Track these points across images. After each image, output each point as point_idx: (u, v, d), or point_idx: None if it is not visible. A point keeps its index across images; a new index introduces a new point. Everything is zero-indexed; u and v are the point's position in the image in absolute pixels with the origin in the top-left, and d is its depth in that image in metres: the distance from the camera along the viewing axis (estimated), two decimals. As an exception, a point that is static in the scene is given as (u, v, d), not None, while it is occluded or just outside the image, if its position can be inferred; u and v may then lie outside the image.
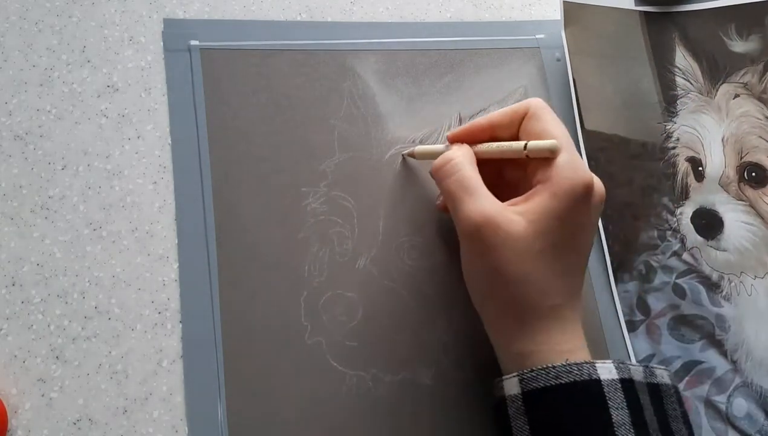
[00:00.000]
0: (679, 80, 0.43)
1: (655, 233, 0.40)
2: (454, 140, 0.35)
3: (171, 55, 0.39)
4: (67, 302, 0.33)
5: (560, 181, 0.29)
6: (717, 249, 0.39)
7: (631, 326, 0.38)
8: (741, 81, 0.42)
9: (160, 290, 0.34)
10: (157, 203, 0.36)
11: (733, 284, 0.39)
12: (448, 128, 0.40)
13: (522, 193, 0.31)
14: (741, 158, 0.41)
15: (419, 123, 0.40)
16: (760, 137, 0.41)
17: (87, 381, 0.32)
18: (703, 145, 0.41)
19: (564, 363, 0.28)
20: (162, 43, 0.39)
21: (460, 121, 0.41)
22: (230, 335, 0.34)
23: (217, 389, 0.33)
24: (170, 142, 0.37)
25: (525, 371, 0.29)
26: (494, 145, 0.33)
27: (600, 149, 0.41)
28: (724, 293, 0.39)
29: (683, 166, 0.41)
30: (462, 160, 0.32)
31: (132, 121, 0.37)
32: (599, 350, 0.37)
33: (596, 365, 0.28)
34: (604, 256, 0.39)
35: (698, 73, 0.43)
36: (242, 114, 0.38)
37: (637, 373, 0.29)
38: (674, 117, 0.42)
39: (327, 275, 0.36)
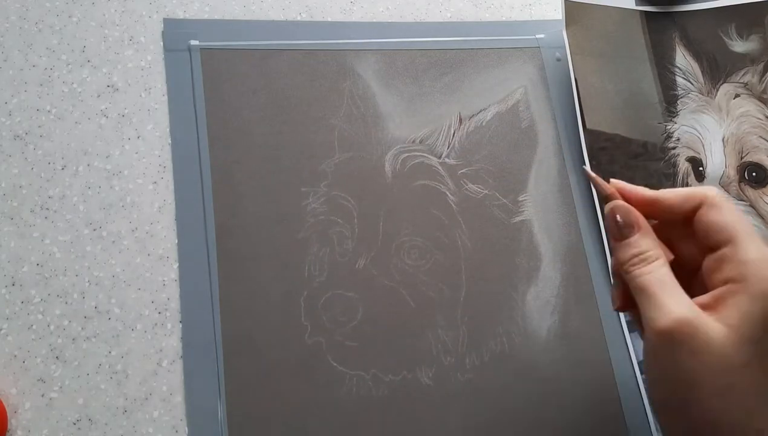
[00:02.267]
0: (679, 80, 0.43)
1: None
2: (616, 189, 0.31)
3: (171, 55, 0.39)
4: (67, 302, 0.33)
5: (759, 281, 0.26)
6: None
7: (632, 326, 0.38)
8: (741, 81, 0.42)
9: (160, 290, 0.34)
10: (157, 203, 0.36)
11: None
12: (449, 128, 0.40)
13: (684, 276, 0.28)
14: (741, 158, 0.41)
15: (419, 123, 0.40)
16: (761, 137, 0.41)
17: (87, 381, 0.32)
18: (703, 145, 0.41)
19: None
20: (162, 43, 0.39)
21: (460, 121, 0.41)
22: (230, 335, 0.34)
23: (217, 389, 0.33)
24: (170, 142, 0.37)
25: None
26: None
27: (601, 149, 0.41)
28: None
29: (684, 166, 0.41)
30: (661, 255, 0.29)
31: (132, 121, 0.37)
32: (599, 349, 0.37)
33: None
34: (605, 256, 0.39)
35: (698, 73, 0.43)
36: (242, 114, 0.38)
37: None
38: (675, 117, 0.42)
39: (327, 275, 0.36)
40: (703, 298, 0.27)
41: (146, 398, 0.32)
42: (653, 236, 0.30)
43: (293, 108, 0.39)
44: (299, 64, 0.40)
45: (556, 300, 0.38)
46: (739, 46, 0.42)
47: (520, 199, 0.40)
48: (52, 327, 0.33)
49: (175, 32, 0.39)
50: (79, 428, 0.31)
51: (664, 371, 0.28)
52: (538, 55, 0.44)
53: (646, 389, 0.30)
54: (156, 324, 0.34)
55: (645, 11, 0.44)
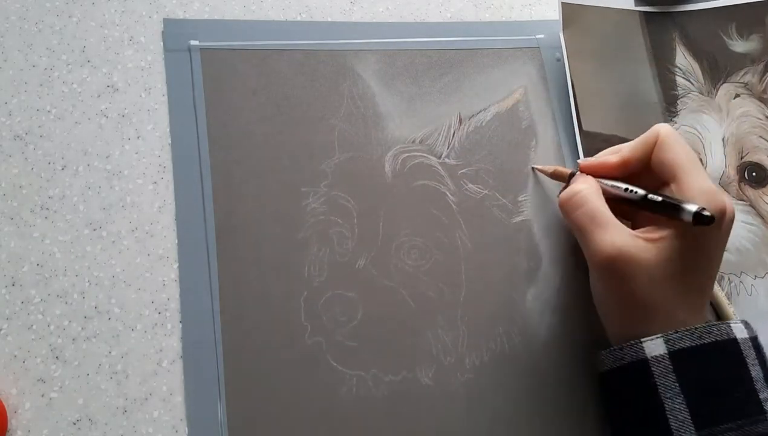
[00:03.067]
0: (679, 80, 0.43)
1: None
2: (586, 172, 0.36)
3: (171, 55, 0.39)
4: (67, 302, 0.33)
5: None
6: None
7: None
8: (741, 81, 0.42)
9: (160, 290, 0.34)
10: (157, 203, 0.36)
11: (733, 283, 0.39)
12: (448, 128, 0.40)
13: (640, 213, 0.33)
14: (741, 158, 0.41)
15: (419, 123, 0.40)
16: (761, 137, 0.41)
17: (87, 381, 0.32)
18: (703, 145, 0.41)
19: (705, 324, 0.30)
20: (162, 43, 0.39)
21: (460, 122, 0.41)
22: (230, 335, 0.34)
23: (217, 389, 0.33)
24: (170, 142, 0.37)
25: (669, 332, 0.30)
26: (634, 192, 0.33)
27: (599, 150, 0.41)
28: (724, 292, 0.39)
29: (684, 166, 0.41)
30: (589, 192, 0.33)
31: (132, 121, 0.37)
32: (599, 349, 0.37)
33: (731, 324, 0.31)
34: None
35: (699, 72, 0.43)
36: (242, 114, 0.38)
37: (754, 331, 0.32)
38: (675, 117, 0.42)
39: (327, 275, 0.36)
40: (649, 228, 0.32)
41: (146, 398, 0.32)
42: (590, 179, 0.35)
43: (293, 108, 0.39)
44: (299, 64, 0.40)
45: (556, 300, 0.38)
46: (739, 45, 0.42)
47: (520, 199, 0.40)
48: (52, 327, 0.33)
49: (175, 32, 0.39)
50: (79, 428, 0.31)
51: (605, 292, 0.33)
52: (538, 56, 0.44)
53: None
54: (156, 324, 0.34)
55: (644, 11, 0.44)
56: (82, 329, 0.33)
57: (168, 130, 0.37)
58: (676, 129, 0.42)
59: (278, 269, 0.35)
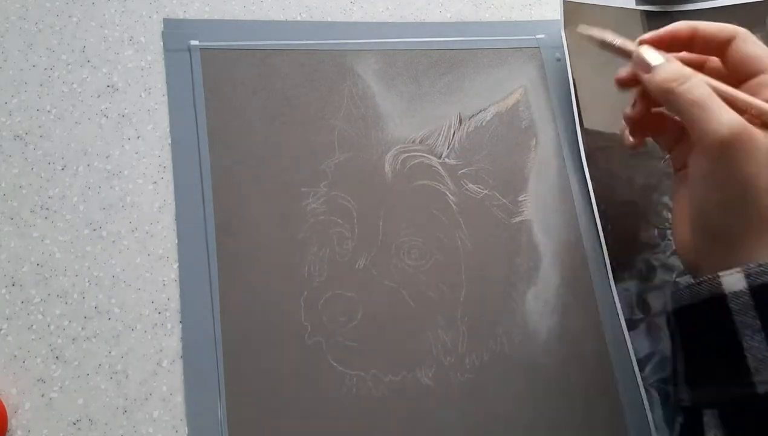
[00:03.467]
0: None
1: (656, 232, 0.40)
2: (654, 43, 0.33)
3: (171, 55, 0.39)
4: (67, 302, 0.33)
5: None
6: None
7: (632, 325, 0.38)
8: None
9: (160, 290, 0.34)
10: (157, 203, 0.36)
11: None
12: (448, 128, 0.40)
13: None
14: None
15: (419, 123, 0.40)
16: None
17: (87, 381, 0.32)
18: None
19: None
20: (162, 43, 0.39)
21: (460, 122, 0.41)
22: (230, 335, 0.34)
23: (217, 389, 0.33)
24: (170, 142, 0.37)
25: (751, 265, 0.28)
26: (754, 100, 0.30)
27: (600, 148, 0.41)
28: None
29: (684, 165, 0.41)
30: (701, 78, 0.31)
31: (132, 121, 0.37)
32: (599, 349, 0.37)
33: None
34: (603, 255, 0.39)
35: (699, 72, 0.43)
36: (242, 114, 0.38)
37: None
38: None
39: (327, 275, 0.36)
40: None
41: (146, 398, 0.32)
42: (679, 63, 0.32)
43: (293, 108, 0.39)
44: (299, 64, 0.40)
45: (556, 300, 0.38)
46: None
47: (520, 199, 0.40)
48: (52, 327, 0.33)
49: (175, 32, 0.39)
50: (79, 428, 0.31)
51: (719, 174, 0.29)
52: (538, 55, 0.44)
53: (690, 204, 0.32)
54: (156, 324, 0.34)
55: (645, 11, 0.44)
56: (82, 329, 0.33)
57: (168, 130, 0.37)
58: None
59: (278, 269, 0.35)
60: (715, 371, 0.29)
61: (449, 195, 0.39)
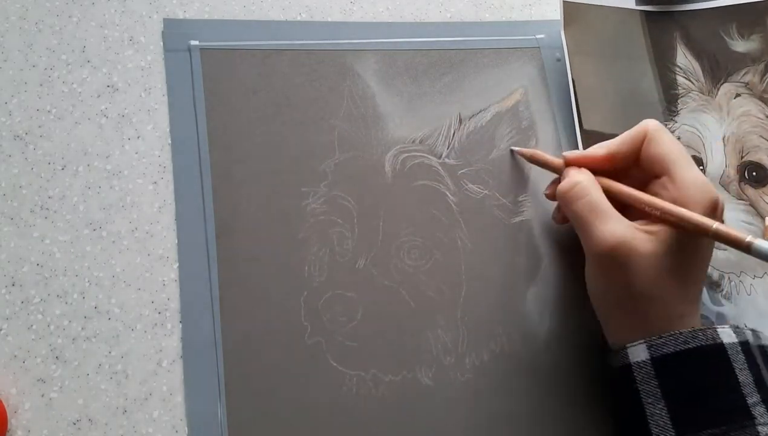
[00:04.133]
0: (680, 79, 0.43)
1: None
2: (573, 164, 0.35)
3: (171, 55, 0.39)
4: (67, 302, 0.33)
5: (689, 203, 0.31)
6: (717, 248, 0.39)
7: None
8: (742, 80, 0.42)
9: (160, 290, 0.34)
10: (157, 203, 0.36)
11: (733, 283, 0.39)
12: (448, 128, 0.40)
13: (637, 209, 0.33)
14: (741, 158, 0.41)
15: (419, 123, 0.40)
16: (761, 137, 0.41)
17: (87, 381, 0.32)
18: (703, 145, 0.41)
19: (690, 329, 0.30)
20: (162, 43, 0.39)
21: (460, 122, 0.41)
22: (230, 335, 0.34)
23: (217, 389, 0.33)
24: (170, 142, 0.37)
25: (653, 337, 0.30)
26: (673, 208, 0.31)
27: (600, 149, 0.41)
28: (724, 291, 0.39)
29: (684, 165, 0.41)
30: (589, 183, 0.33)
31: (132, 121, 0.37)
32: (599, 350, 0.37)
33: (717, 330, 0.30)
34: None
35: (699, 72, 0.43)
36: (242, 114, 0.38)
37: (749, 336, 0.31)
38: (675, 116, 0.42)
39: (327, 275, 0.36)
40: (646, 221, 0.32)
41: (146, 398, 0.32)
42: (586, 172, 0.34)
43: (293, 108, 0.39)
44: (299, 64, 0.40)
45: (556, 300, 0.38)
46: (740, 45, 0.42)
47: (520, 199, 0.40)
48: (52, 327, 0.33)
49: (175, 32, 0.39)
50: (79, 428, 0.31)
51: (603, 283, 0.33)
52: (538, 56, 0.44)
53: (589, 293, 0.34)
54: (156, 324, 0.34)
55: (645, 11, 0.44)
56: (82, 329, 0.33)
57: (168, 130, 0.37)
58: (677, 128, 0.42)
59: (278, 269, 0.35)
60: (632, 434, 0.32)
61: (449, 195, 0.39)
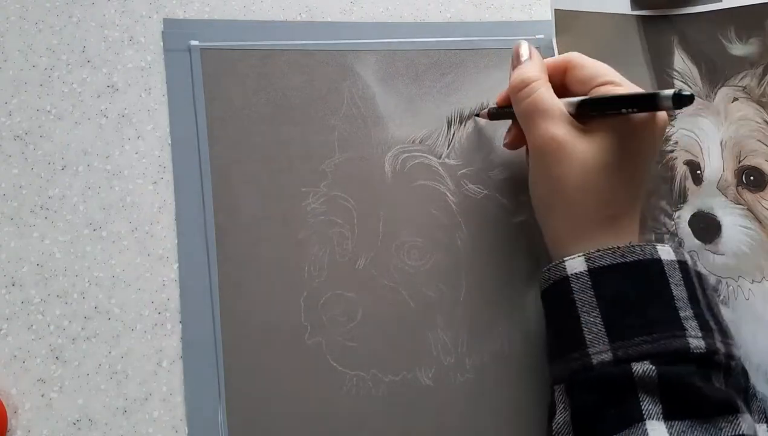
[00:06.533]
0: (677, 83, 0.43)
1: (653, 237, 0.40)
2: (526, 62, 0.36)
3: (171, 55, 0.39)
4: (67, 302, 0.33)
5: (601, 77, 0.33)
6: (715, 253, 0.39)
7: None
8: (740, 84, 0.42)
9: (160, 290, 0.34)
10: (157, 203, 0.36)
11: (731, 287, 0.39)
12: (449, 128, 0.40)
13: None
14: (739, 162, 0.41)
15: (419, 123, 0.40)
16: (759, 141, 0.41)
17: (87, 381, 0.32)
18: (701, 149, 0.42)
19: (628, 244, 0.31)
20: (162, 43, 0.39)
21: (460, 122, 0.41)
22: (230, 335, 0.34)
23: (217, 389, 0.33)
24: (170, 142, 0.37)
25: (591, 251, 0.31)
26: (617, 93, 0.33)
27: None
28: (722, 296, 0.39)
29: (681, 169, 0.41)
30: (540, 82, 0.34)
31: (132, 121, 0.37)
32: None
33: (657, 246, 0.31)
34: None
35: (697, 76, 0.43)
36: (242, 114, 0.38)
37: (688, 259, 0.32)
38: (673, 120, 0.42)
39: (327, 275, 0.36)
40: (588, 122, 0.33)
41: (146, 398, 0.32)
42: (542, 66, 0.35)
43: (293, 108, 0.39)
44: (299, 64, 0.40)
45: (555, 301, 0.38)
46: (737, 49, 0.42)
47: (520, 199, 0.40)
48: (52, 327, 0.33)
49: (175, 32, 0.39)
50: (79, 429, 0.32)
51: (540, 177, 0.34)
52: (538, 56, 0.44)
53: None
54: (156, 324, 0.34)
55: (641, 15, 0.44)
56: (82, 329, 0.33)
57: (168, 130, 0.37)
58: (675, 132, 0.42)
59: (278, 269, 0.35)
60: (562, 348, 0.31)
61: (449, 195, 0.39)
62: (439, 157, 0.40)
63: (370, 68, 0.41)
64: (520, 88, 0.34)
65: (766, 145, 0.41)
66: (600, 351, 0.29)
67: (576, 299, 0.31)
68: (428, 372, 0.35)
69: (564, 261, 0.32)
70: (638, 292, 0.30)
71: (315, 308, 0.35)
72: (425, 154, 0.39)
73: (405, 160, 0.39)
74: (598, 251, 0.31)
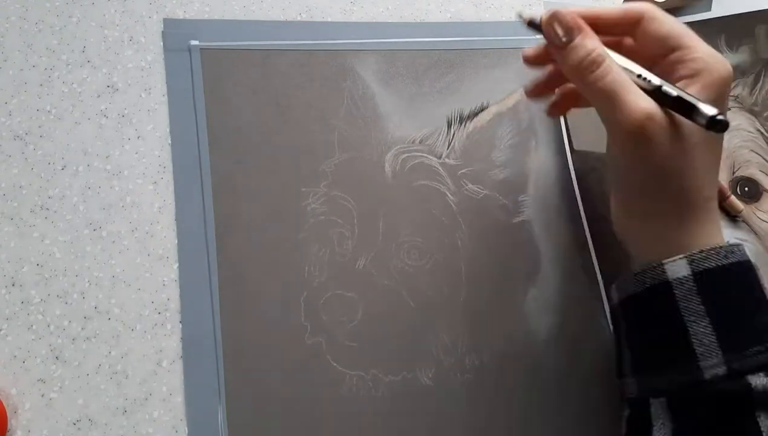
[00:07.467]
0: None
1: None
2: (584, 27, 0.31)
3: (171, 55, 0.39)
4: (67, 302, 0.33)
5: (711, 73, 0.29)
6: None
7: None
8: (732, 94, 0.42)
9: (160, 290, 0.34)
10: (157, 203, 0.36)
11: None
12: (449, 128, 0.40)
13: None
14: (733, 173, 0.40)
15: (419, 123, 0.40)
16: (752, 151, 0.41)
17: (87, 381, 0.32)
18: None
19: (727, 243, 0.29)
20: (162, 43, 0.39)
21: (461, 121, 0.41)
22: (230, 335, 0.34)
23: (217, 389, 0.33)
24: (170, 142, 0.37)
25: (693, 251, 0.29)
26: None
27: (591, 169, 0.41)
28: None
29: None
30: (612, 60, 0.30)
31: (132, 121, 0.37)
32: (599, 349, 0.37)
33: (739, 246, 0.29)
34: (595, 272, 0.39)
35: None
36: (242, 114, 0.38)
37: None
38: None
39: (327, 275, 0.36)
40: None
41: (146, 399, 0.32)
42: (596, 36, 0.30)
43: (293, 108, 0.39)
44: (299, 64, 0.40)
45: (556, 300, 0.38)
46: (728, 58, 0.42)
47: (520, 199, 0.40)
48: (52, 327, 0.33)
49: (175, 32, 0.39)
50: (79, 429, 0.31)
51: (633, 160, 0.30)
52: (538, 56, 0.44)
53: (615, 192, 0.32)
54: (156, 324, 0.34)
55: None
56: (82, 329, 0.33)
57: (168, 130, 0.37)
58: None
59: (278, 269, 0.35)
60: (662, 359, 0.29)
61: (449, 195, 0.39)
62: (439, 157, 0.39)
63: (370, 68, 0.41)
64: (588, 63, 0.30)
65: (759, 154, 0.41)
66: (713, 365, 0.27)
67: (681, 306, 0.28)
68: (428, 372, 0.35)
69: (663, 264, 0.29)
70: (743, 296, 0.28)
71: (315, 308, 0.35)
72: (425, 154, 0.39)
73: (405, 160, 0.39)
74: (701, 251, 0.28)
